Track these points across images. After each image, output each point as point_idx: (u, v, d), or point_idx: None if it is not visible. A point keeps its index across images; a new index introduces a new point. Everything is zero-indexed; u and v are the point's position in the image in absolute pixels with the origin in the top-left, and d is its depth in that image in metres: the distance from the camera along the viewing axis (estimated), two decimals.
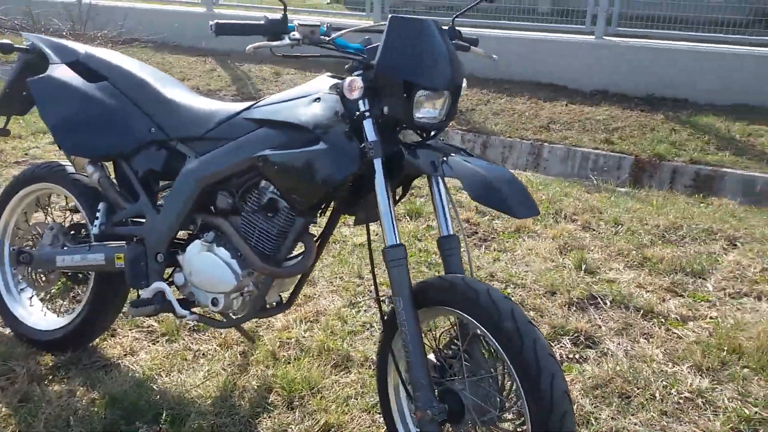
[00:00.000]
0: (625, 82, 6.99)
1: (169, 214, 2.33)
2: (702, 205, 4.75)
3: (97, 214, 2.50)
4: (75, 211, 2.72)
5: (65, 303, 2.91)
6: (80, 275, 2.76)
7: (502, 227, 3.94)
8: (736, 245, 3.81)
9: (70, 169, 2.66)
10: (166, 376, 2.59)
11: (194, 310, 2.36)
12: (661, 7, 7.33)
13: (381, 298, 2.24)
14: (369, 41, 2.11)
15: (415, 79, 1.91)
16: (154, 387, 2.51)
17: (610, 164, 5.89)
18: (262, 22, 2.02)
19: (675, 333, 2.92)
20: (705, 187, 5.34)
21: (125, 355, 2.73)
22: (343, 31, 2.06)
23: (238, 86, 8.02)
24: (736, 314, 3.05)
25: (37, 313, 2.82)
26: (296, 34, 1.99)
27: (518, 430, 1.92)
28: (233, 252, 2.24)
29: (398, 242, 1.96)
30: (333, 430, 2.30)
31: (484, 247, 3.75)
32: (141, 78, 2.47)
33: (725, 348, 2.75)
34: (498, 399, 1.92)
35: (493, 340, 1.80)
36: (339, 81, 2.06)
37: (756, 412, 2.39)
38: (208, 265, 2.25)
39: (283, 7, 1.99)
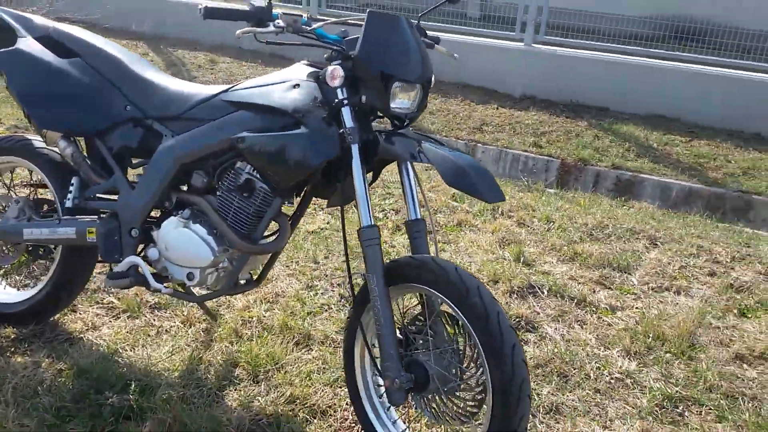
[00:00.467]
0: (552, 89, 7.36)
1: (145, 190, 2.41)
2: (624, 207, 5.09)
3: (71, 188, 2.54)
4: (40, 186, 2.74)
5: (21, 278, 2.92)
6: (41, 250, 2.78)
7: (445, 221, 4.14)
8: (656, 244, 4.15)
9: (38, 143, 2.68)
10: (131, 350, 2.66)
11: (166, 284, 2.43)
12: (587, 19, 7.73)
13: (352, 275, 2.37)
14: (346, 33, 2.26)
15: (392, 71, 2.07)
16: (120, 360, 2.58)
17: (538, 166, 6.22)
18: (247, 8, 2.13)
19: (605, 321, 3.18)
20: (626, 190, 5.73)
21: (87, 329, 2.78)
22: (323, 22, 2.20)
23: (173, 72, 7.96)
24: (659, 306, 3.35)
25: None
26: (281, 22, 2.12)
27: (477, 397, 2.10)
28: (209, 229, 2.34)
29: (372, 223, 2.11)
30: (297, 401, 2.43)
31: (429, 239, 3.93)
32: (115, 56, 2.52)
33: (650, 335, 3.03)
34: (459, 369, 2.10)
35: (460, 313, 1.97)
36: (318, 69, 2.20)
37: (677, 391, 2.67)
38: (185, 240, 2.34)
39: None
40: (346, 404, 2.44)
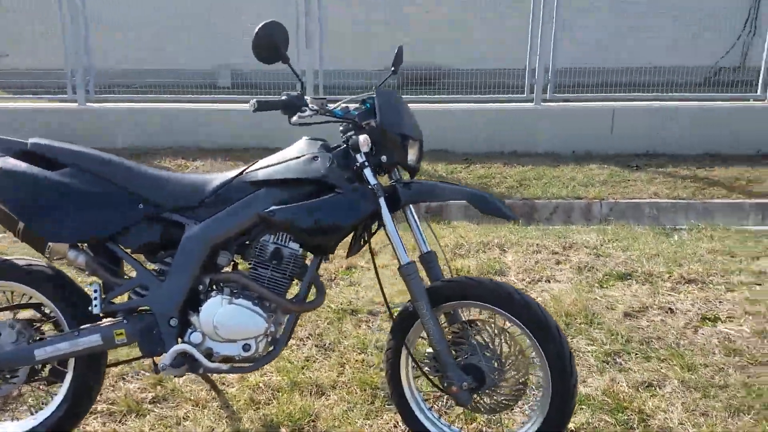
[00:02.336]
0: None
1: (179, 279, 2.52)
2: (450, 227, 5.89)
3: (94, 295, 2.54)
4: (31, 305, 2.66)
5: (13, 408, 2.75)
6: (44, 371, 2.67)
7: (335, 267, 4.54)
8: (505, 250, 4.98)
9: (22, 262, 2.61)
10: None
11: (217, 363, 2.55)
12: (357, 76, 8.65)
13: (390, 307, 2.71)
14: (347, 109, 2.65)
15: (407, 131, 2.53)
16: None
17: None
18: (284, 98, 2.46)
19: None
20: (438, 214, 6.54)
21: None
22: (339, 103, 2.58)
23: None
24: (544, 293, 4.12)
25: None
26: (314, 106, 2.48)
27: (515, 389, 2.57)
28: (254, 300, 2.54)
29: (410, 260, 2.53)
30: None
31: (333, 284, 4.31)
32: (111, 159, 2.59)
33: (561, 314, 3.76)
34: (500, 367, 2.56)
35: (518, 322, 2.45)
36: (321, 141, 2.57)
37: (607, 348, 3.40)
38: (237, 315, 2.51)
39: (300, 86, 2.46)
40: (395, 425, 2.76)
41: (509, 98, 8.31)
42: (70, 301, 2.60)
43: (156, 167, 2.70)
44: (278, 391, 3.02)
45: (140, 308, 2.58)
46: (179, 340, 2.55)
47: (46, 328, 2.71)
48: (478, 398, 2.57)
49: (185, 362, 2.52)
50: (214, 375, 3.03)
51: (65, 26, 8.50)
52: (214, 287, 2.59)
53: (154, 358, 2.56)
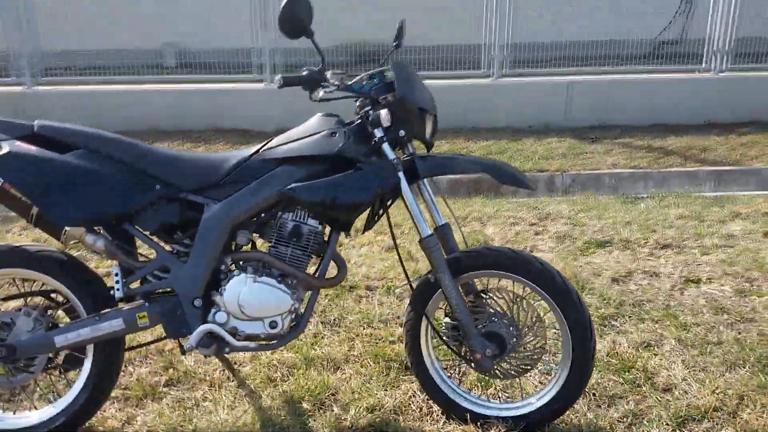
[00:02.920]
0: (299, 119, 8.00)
1: (201, 259, 2.50)
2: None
3: (115, 278, 2.50)
4: (44, 292, 2.60)
5: (22, 397, 2.69)
6: (62, 358, 2.61)
7: None
8: (484, 223, 5.07)
9: (35, 248, 2.54)
10: (193, 427, 2.67)
11: (244, 342, 2.55)
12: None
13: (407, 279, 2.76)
14: (362, 84, 2.64)
15: (425, 105, 2.56)
16: None
17: None
18: (305, 73, 2.45)
19: None
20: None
21: (124, 425, 2.70)
22: (357, 78, 2.59)
23: None
24: None
25: (16, 415, 2.59)
26: (335, 81, 2.48)
27: (534, 355, 2.66)
28: (278, 278, 2.54)
29: (430, 233, 2.57)
30: (376, 409, 2.75)
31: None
32: (123, 140, 2.53)
33: None
34: (517, 333, 2.64)
35: (541, 290, 2.53)
36: (334, 116, 2.57)
37: (602, 312, 3.53)
38: (262, 293, 2.51)
39: (321, 59, 2.46)
40: (413, 394, 2.82)
41: (468, 74, 8.39)
42: (86, 287, 2.55)
43: (168, 148, 2.66)
44: (293, 368, 3.04)
45: (162, 290, 2.55)
46: (203, 320, 2.53)
47: (57, 315, 2.65)
48: (498, 364, 2.64)
49: (211, 342, 2.51)
50: (231, 354, 3.02)
51: (4, 7, 8.15)
52: (235, 266, 2.58)
53: (179, 339, 2.54)
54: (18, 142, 2.45)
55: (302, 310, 2.62)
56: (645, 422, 2.67)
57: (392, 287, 3.83)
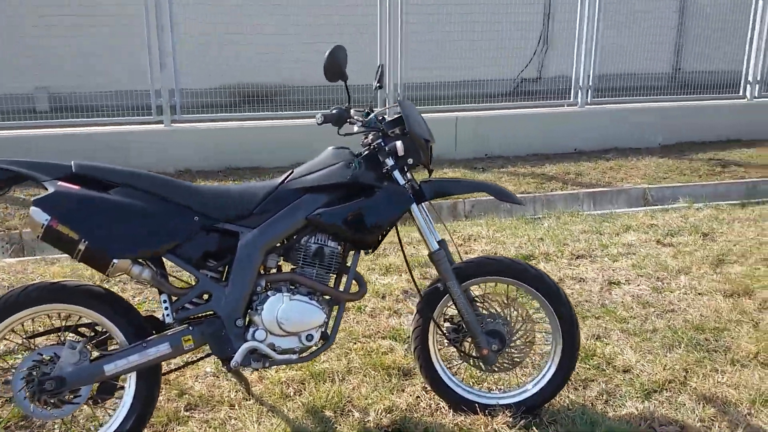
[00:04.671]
0: (202, 161, 8.08)
1: (241, 283, 2.73)
2: None
3: (164, 306, 2.67)
4: (86, 325, 2.70)
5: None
6: (92, 389, 2.71)
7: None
8: (415, 247, 5.49)
9: (73, 283, 2.66)
10: None
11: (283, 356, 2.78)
12: (221, 95, 8.75)
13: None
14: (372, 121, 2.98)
15: (428, 137, 2.96)
16: None
17: None
18: (335, 111, 2.78)
19: None
20: None
21: None
22: (372, 114, 2.93)
23: None
24: None
25: None
26: (359, 118, 2.83)
27: (524, 349, 3.09)
28: (310, 295, 2.82)
29: (438, 247, 2.96)
30: (393, 410, 3.05)
31: None
32: (158, 177, 2.72)
33: None
34: (509, 332, 3.05)
35: (535, 291, 2.97)
36: (345, 149, 2.90)
37: None
38: (299, 309, 2.76)
39: (347, 101, 2.80)
40: (419, 395, 3.15)
41: None
42: (125, 317, 2.69)
43: (197, 184, 2.86)
44: (302, 383, 3.27)
45: (203, 314, 2.74)
46: (244, 339, 2.74)
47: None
48: (499, 358, 3.04)
49: (258, 360, 2.72)
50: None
51: None
52: (267, 288, 2.81)
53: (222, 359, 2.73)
54: (60, 182, 2.57)
55: (331, 324, 2.89)
56: (618, 397, 3.16)
57: (362, 307, 4.13)
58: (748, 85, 9.76)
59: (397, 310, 4.13)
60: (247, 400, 3.15)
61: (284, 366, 3.36)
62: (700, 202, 6.83)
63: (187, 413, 3.06)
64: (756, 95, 9.76)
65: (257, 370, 2.81)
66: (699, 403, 3.09)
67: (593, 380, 3.31)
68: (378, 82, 3.24)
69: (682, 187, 7.82)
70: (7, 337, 2.71)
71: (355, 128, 2.89)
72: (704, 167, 8.50)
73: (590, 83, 9.31)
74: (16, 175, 2.57)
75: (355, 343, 3.67)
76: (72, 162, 2.64)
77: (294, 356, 2.81)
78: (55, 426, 2.91)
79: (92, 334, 2.71)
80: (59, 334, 2.74)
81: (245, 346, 2.71)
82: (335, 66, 2.72)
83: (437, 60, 9.75)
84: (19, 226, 6.29)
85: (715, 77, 10.13)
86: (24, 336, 2.74)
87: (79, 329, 2.75)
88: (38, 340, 2.83)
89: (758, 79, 9.71)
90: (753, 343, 3.60)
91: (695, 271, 4.70)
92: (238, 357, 2.70)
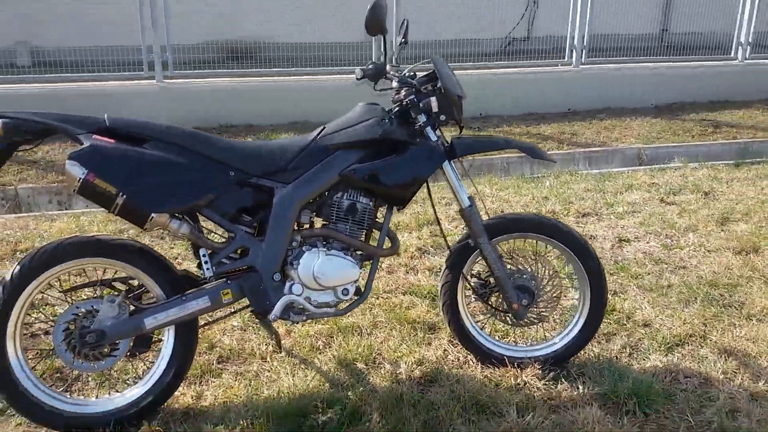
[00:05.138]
0: (195, 118, 7.93)
1: (277, 238, 2.72)
2: None
3: (204, 260, 2.65)
4: (122, 279, 2.68)
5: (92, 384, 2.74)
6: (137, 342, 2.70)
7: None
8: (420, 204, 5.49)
9: (108, 238, 2.64)
10: (258, 396, 2.87)
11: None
12: (209, 50, 8.59)
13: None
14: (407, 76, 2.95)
15: (460, 93, 2.94)
16: (276, 404, 2.80)
17: None
18: (370, 67, 2.75)
19: None
20: None
21: (197, 399, 2.83)
22: (407, 70, 2.91)
23: None
24: None
25: (100, 400, 2.67)
26: (394, 74, 2.80)
27: (550, 304, 3.13)
28: (344, 250, 2.82)
29: (470, 204, 2.97)
30: (423, 362, 3.09)
31: None
32: (191, 132, 2.68)
33: None
34: (537, 286, 3.09)
35: (564, 246, 2.99)
36: (376, 105, 2.87)
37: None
38: (335, 264, 2.77)
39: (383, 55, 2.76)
40: (446, 348, 3.19)
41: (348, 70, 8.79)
42: (162, 271, 2.67)
43: (230, 139, 2.83)
44: (330, 337, 3.29)
45: (241, 268, 2.73)
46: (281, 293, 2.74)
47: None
48: (529, 312, 3.08)
49: (292, 312, 2.73)
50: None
51: None
52: (302, 243, 2.80)
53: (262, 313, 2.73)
54: (95, 136, 2.52)
55: (364, 279, 2.90)
56: (641, 351, 3.23)
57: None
58: (740, 47, 9.80)
59: (414, 266, 4.15)
60: (277, 353, 3.17)
61: (312, 320, 3.37)
62: (694, 162, 6.90)
63: (220, 366, 3.08)
64: (747, 57, 9.81)
65: (297, 323, 2.81)
66: (720, 356, 3.17)
67: (615, 334, 3.37)
68: (403, 38, 3.20)
69: (676, 148, 7.89)
70: (44, 291, 2.69)
71: (394, 83, 2.86)
72: (697, 128, 8.58)
73: (584, 43, 9.29)
74: (48, 127, 2.51)
75: (377, 299, 3.69)
76: (105, 116, 2.59)
77: (330, 310, 2.82)
78: (89, 378, 2.90)
79: (126, 288, 2.69)
80: (94, 288, 2.72)
81: (283, 299, 2.71)
82: (376, 20, 2.68)
83: (430, 18, 9.67)
84: (14, 183, 6.19)
85: (704, 39, 10.17)
86: (60, 290, 2.72)
87: (113, 284, 2.72)
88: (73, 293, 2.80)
89: (749, 41, 9.75)
90: (767, 299, 3.68)
91: (702, 229, 4.77)
92: (277, 310, 2.70)
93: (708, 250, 4.39)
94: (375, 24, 2.70)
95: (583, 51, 9.32)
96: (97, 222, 4.86)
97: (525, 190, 5.89)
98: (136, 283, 2.70)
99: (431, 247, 4.46)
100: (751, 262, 4.18)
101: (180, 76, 8.26)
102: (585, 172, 6.68)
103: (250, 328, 3.39)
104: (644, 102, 9.48)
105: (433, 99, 2.84)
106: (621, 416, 2.75)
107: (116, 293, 2.64)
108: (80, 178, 2.45)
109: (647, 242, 4.56)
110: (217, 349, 3.18)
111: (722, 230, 4.75)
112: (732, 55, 9.89)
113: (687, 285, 3.86)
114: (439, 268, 4.10)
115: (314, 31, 9.75)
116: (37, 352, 3.02)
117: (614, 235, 4.66)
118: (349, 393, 2.84)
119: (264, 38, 9.64)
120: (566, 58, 9.40)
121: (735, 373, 3.05)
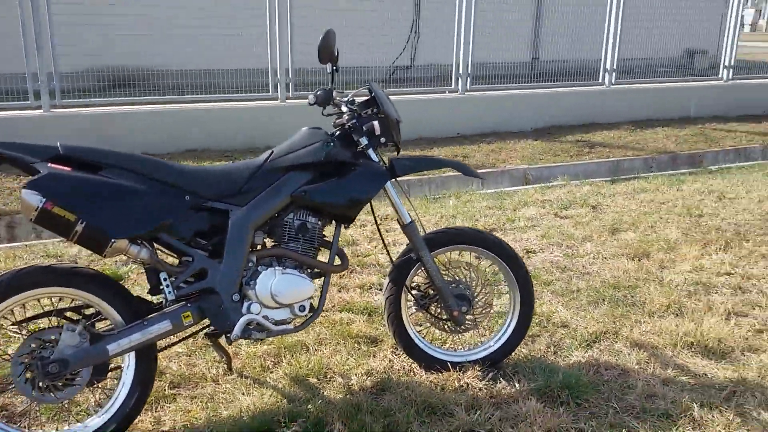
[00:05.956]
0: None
1: (234, 260, 2.81)
2: None
3: (165, 284, 2.70)
4: (76, 308, 2.68)
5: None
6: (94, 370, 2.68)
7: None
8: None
9: (65, 266, 2.64)
10: (223, 413, 2.92)
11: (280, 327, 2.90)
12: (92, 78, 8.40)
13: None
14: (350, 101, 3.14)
15: (398, 117, 3.16)
16: (240, 423, 2.87)
17: None
18: (321, 93, 2.92)
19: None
20: None
21: (155, 424, 2.85)
22: (348, 97, 3.09)
23: None
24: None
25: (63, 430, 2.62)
26: (341, 99, 2.99)
27: (484, 310, 3.39)
28: (299, 268, 2.95)
29: (411, 220, 3.19)
30: (372, 373, 3.25)
31: None
32: (145, 158, 2.74)
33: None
34: (471, 294, 3.34)
35: (496, 256, 3.26)
36: (318, 129, 3.05)
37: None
38: (290, 282, 2.89)
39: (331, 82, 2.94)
40: (390, 359, 3.37)
41: (257, 97, 8.87)
42: (120, 297, 2.70)
43: (182, 163, 2.89)
44: (278, 357, 3.38)
45: (200, 290, 2.79)
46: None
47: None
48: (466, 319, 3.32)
49: (259, 330, 2.82)
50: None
51: None
52: (257, 263, 2.90)
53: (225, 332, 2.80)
54: (51, 164, 2.53)
55: (319, 296, 3.03)
56: (564, 348, 3.54)
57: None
58: (606, 73, 10.69)
59: (344, 285, 4.30)
60: (228, 374, 3.22)
61: (256, 341, 3.45)
62: (575, 179, 7.49)
63: (173, 391, 3.10)
64: (613, 82, 10.72)
65: (258, 340, 2.90)
66: (632, 349, 3.54)
67: (539, 335, 3.67)
68: (334, 66, 3.39)
69: (557, 167, 8.50)
70: None
71: (344, 108, 3.04)
72: (573, 148, 9.27)
73: (469, 71, 9.83)
74: (0, 156, 2.50)
75: (319, 317, 3.81)
76: (58, 143, 2.60)
77: (289, 326, 2.93)
78: (38, 413, 2.84)
79: (78, 317, 2.68)
80: (48, 318, 2.69)
81: (244, 319, 2.80)
82: (328, 48, 2.86)
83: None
84: None
85: (570, 65, 11.01)
86: (12, 322, 2.67)
87: (65, 313, 2.70)
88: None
89: (614, 67, 10.66)
90: (663, 297, 4.12)
91: (597, 239, 5.23)
92: (237, 330, 2.78)
93: (605, 257, 4.83)
94: (326, 52, 2.87)
95: (468, 78, 9.84)
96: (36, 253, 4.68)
97: (432, 209, 6.19)
98: (90, 311, 2.70)
99: (356, 266, 4.63)
100: (645, 266, 4.65)
101: (68, 105, 8.01)
102: (481, 192, 7.07)
103: (195, 353, 3.41)
104: (524, 126, 10.13)
105: (376, 123, 3.04)
106: (557, 407, 3.03)
107: (73, 322, 2.63)
108: (38, 207, 2.45)
109: (551, 252, 4.95)
110: (167, 375, 3.19)
111: (614, 239, 5.23)
112: (600, 80, 10.76)
113: (593, 288, 4.25)
114: (369, 285, 4.28)
115: (201, 58, 9.72)
116: None
117: (521, 248, 5.02)
118: (309, 406, 2.95)
119: (153, 66, 9.52)
120: (452, 85, 9.89)
121: (647, 362, 3.42)
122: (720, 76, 11.81)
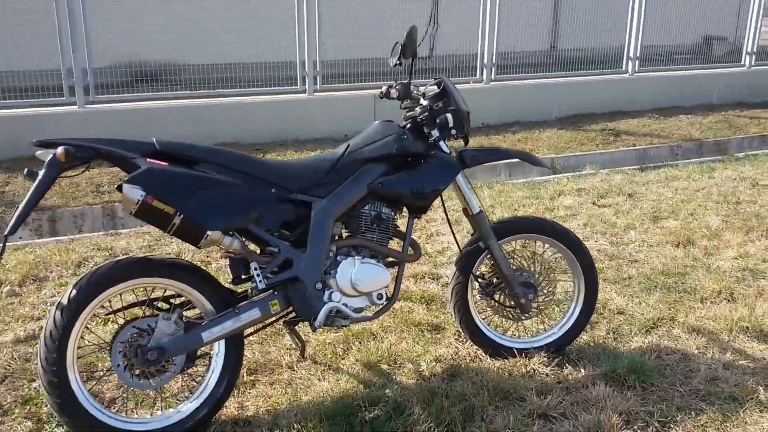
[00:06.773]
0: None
1: (317, 249, 2.90)
2: None
3: (256, 273, 2.79)
4: (172, 296, 2.77)
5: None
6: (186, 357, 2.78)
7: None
8: None
9: (160, 257, 2.74)
10: (303, 398, 3.02)
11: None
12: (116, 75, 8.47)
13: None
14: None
15: (468, 109, 3.24)
16: (321, 406, 2.97)
17: None
18: (400, 87, 3.00)
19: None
20: None
21: (240, 409, 2.95)
22: (418, 89, 3.17)
23: None
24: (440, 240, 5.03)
25: (157, 417, 2.74)
26: (417, 93, 3.08)
27: (547, 298, 3.48)
28: (375, 257, 3.04)
29: (480, 209, 3.27)
30: (440, 360, 3.34)
31: None
32: (235, 153, 2.83)
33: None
34: (535, 282, 3.43)
35: (562, 245, 3.34)
36: (391, 121, 3.14)
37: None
38: (369, 271, 2.98)
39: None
40: (455, 346, 3.46)
41: (285, 90, 8.95)
42: (211, 287, 2.79)
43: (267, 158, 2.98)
44: (348, 344, 3.48)
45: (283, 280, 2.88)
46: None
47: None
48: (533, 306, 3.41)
49: (343, 317, 2.92)
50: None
51: None
52: (336, 253, 2.99)
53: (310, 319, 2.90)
54: (150, 159, 2.63)
55: (394, 284, 3.12)
56: (624, 335, 3.63)
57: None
58: (629, 61, 10.72)
59: None
60: (302, 361, 3.32)
61: (323, 329, 3.54)
62: (603, 168, 7.55)
63: (251, 378, 3.20)
64: (637, 70, 10.75)
65: (343, 327, 3.00)
66: (690, 335, 3.62)
67: (597, 322, 3.75)
68: (398, 59, 3.47)
69: (584, 156, 8.57)
70: (96, 312, 2.73)
71: (423, 101, 3.12)
72: (599, 137, 9.33)
73: (494, 61, 9.88)
74: (102, 153, 2.59)
75: None
76: (153, 139, 2.69)
77: (369, 314, 3.03)
78: (126, 400, 2.94)
79: (168, 306, 2.78)
80: (141, 307, 2.79)
81: (327, 306, 2.89)
82: (412, 44, 2.94)
83: (354, 37, 9.98)
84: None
85: (590, 53, 11.04)
86: (107, 311, 2.77)
87: (155, 302, 2.81)
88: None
89: (638, 56, 10.69)
90: (714, 283, 4.20)
91: (639, 227, 5.31)
92: (321, 317, 2.88)
93: (650, 245, 4.91)
94: (411, 47, 2.95)
95: (493, 68, 9.90)
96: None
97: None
98: (179, 300, 2.80)
99: None
100: (691, 253, 4.72)
101: (102, 101, 8.11)
102: (511, 182, 7.14)
103: (266, 341, 3.51)
104: (548, 115, 10.19)
105: (449, 115, 3.12)
106: (625, 390, 3.11)
107: (165, 311, 2.73)
108: (139, 200, 2.54)
109: (596, 241, 5.03)
110: (244, 362, 3.28)
111: (657, 227, 5.31)
112: (623, 68, 10.80)
113: (644, 276, 4.33)
114: (422, 275, 4.37)
115: (231, 52, 9.79)
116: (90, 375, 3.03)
117: None
118: (386, 390, 3.04)
119: (182, 61, 9.60)
120: (477, 75, 9.95)
121: (706, 347, 3.50)
122: (742, 62, 11.81)
